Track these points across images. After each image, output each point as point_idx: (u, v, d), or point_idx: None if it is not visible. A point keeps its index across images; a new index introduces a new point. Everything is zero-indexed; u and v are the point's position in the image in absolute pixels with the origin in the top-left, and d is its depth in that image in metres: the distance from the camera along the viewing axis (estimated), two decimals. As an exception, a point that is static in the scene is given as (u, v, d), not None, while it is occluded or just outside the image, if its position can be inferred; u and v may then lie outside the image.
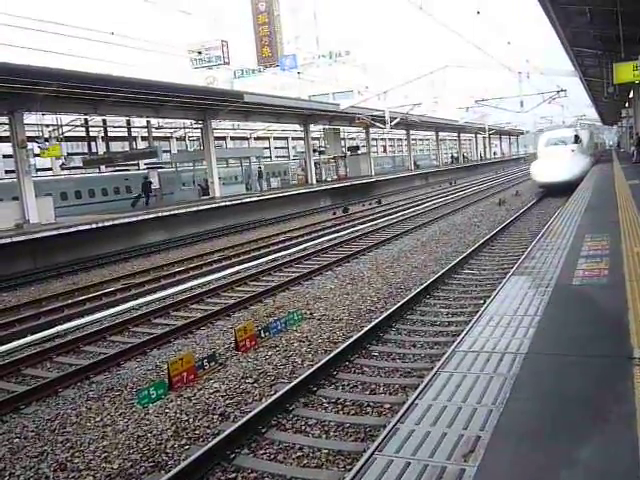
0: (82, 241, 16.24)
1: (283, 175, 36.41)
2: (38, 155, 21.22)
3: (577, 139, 23.88)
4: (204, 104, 22.00)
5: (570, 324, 4.27)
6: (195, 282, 11.34)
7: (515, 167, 62.97)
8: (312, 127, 33.96)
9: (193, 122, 27.03)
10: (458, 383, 3.39)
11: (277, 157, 46.84)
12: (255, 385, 5.85)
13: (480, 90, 40.76)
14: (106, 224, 16.89)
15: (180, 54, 28.94)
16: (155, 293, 10.70)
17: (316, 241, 15.81)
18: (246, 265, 12.81)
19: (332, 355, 6.10)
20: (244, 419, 4.77)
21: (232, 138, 42.35)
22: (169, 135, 36.68)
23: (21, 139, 16.63)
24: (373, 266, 11.55)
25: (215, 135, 28.38)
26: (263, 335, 7.31)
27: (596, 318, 4.34)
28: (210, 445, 4.38)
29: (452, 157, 64.99)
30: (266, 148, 45.43)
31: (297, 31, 30.84)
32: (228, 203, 22.60)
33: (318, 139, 42.08)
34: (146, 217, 18.58)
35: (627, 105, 32.59)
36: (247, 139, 44.06)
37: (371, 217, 21.14)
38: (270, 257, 13.71)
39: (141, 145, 30.19)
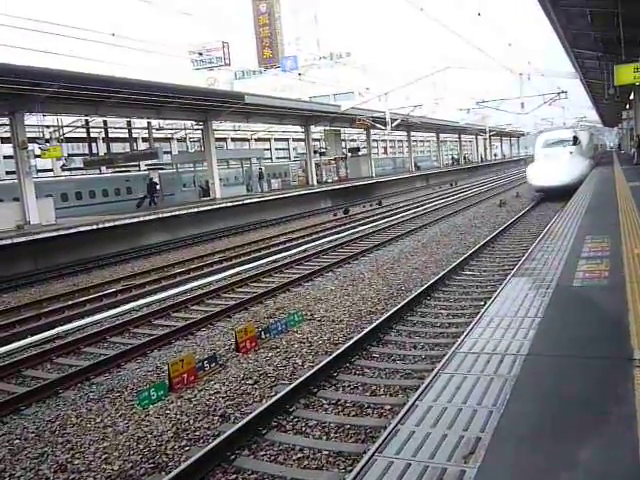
0: (83, 242, 16.26)
1: (284, 176, 36.39)
2: (39, 156, 21.19)
3: (576, 140, 22.88)
4: (205, 105, 22.03)
5: (570, 325, 4.27)
6: (196, 283, 11.36)
7: (516, 169, 62.91)
8: (313, 128, 33.96)
9: (194, 123, 27.05)
10: (458, 384, 3.39)
11: (278, 158, 46.83)
12: (255, 386, 5.85)
13: (481, 91, 40.96)
14: (107, 225, 16.90)
15: (181, 55, 29.02)
16: (156, 294, 10.70)
17: (317, 242, 15.81)
18: (247, 266, 12.82)
19: (333, 356, 6.10)
20: (244, 420, 4.77)
21: (233, 139, 42.36)
22: (170, 136, 36.71)
23: (22, 140, 16.65)
24: (374, 267, 11.55)
25: (216, 136, 28.41)
26: (264, 336, 7.31)
27: (596, 319, 4.33)
28: (210, 446, 4.38)
29: (453, 159, 64.98)
30: (267, 149, 45.47)
31: (298, 32, 30.83)
32: (229, 204, 22.59)
33: (319, 140, 42.11)
34: (147, 218, 18.60)
35: (628, 107, 32.55)
36: (248, 140, 44.09)
37: (372, 218, 21.14)
38: (271, 258, 13.72)
39: (142, 146, 30.18)
